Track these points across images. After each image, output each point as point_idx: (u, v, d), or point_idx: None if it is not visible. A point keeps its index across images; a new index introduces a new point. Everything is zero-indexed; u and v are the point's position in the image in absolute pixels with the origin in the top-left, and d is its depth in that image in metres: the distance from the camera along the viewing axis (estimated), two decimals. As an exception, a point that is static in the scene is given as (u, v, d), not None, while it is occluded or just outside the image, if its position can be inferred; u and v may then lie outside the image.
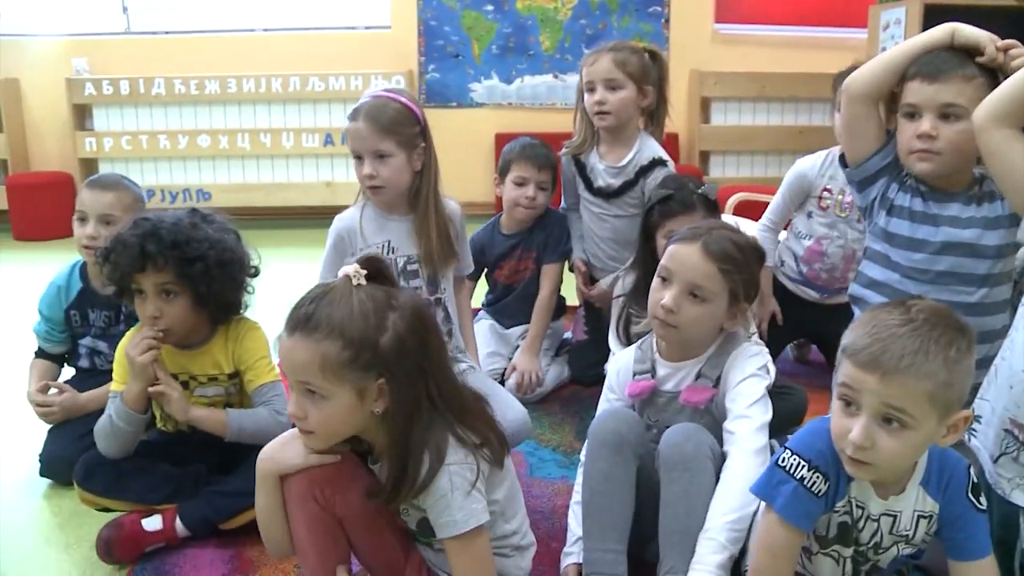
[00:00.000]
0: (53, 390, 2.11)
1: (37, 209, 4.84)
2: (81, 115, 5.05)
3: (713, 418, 1.62)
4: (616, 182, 2.50)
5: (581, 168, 2.57)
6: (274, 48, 5.01)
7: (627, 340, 2.15)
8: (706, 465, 1.49)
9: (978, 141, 1.50)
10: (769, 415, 1.55)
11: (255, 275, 1.94)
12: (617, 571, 1.52)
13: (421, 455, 1.31)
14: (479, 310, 2.77)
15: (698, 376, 1.65)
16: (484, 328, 2.67)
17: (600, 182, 2.53)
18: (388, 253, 2.06)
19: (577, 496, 1.65)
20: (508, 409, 1.98)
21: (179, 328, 1.82)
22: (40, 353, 2.25)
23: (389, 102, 1.99)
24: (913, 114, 1.61)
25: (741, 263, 1.62)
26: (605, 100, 2.41)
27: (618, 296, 2.25)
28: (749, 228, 2.57)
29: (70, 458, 1.94)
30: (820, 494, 1.27)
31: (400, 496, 1.33)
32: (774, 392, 1.61)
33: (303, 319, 1.30)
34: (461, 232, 2.15)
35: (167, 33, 5.08)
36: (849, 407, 1.22)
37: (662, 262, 1.67)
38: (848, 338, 1.24)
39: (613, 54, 2.43)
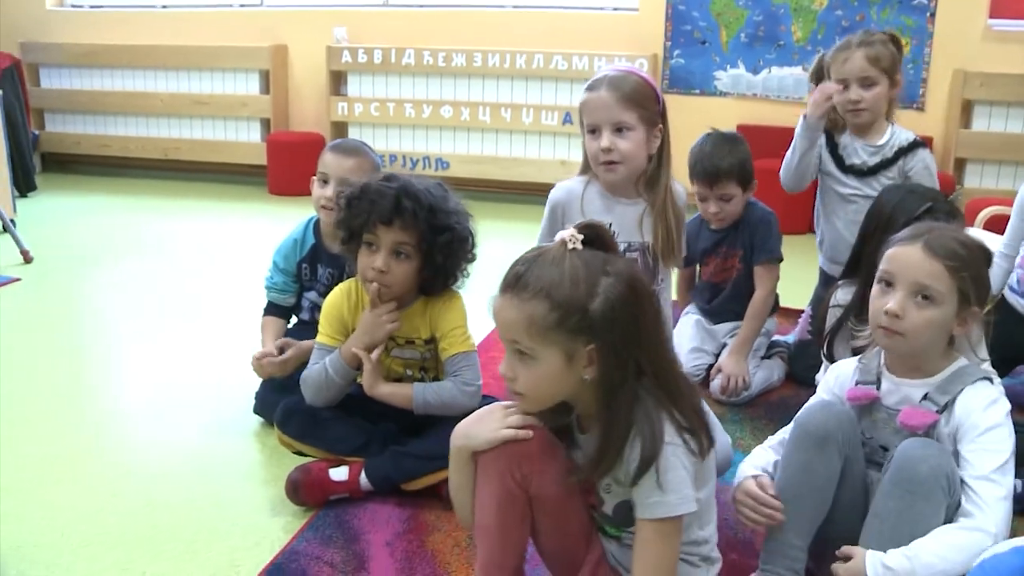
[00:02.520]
0: (289, 351, 2.24)
1: (291, 166, 5.31)
2: (337, 81, 5.51)
3: None
4: (873, 160, 2.54)
5: (833, 145, 2.61)
6: (521, 25, 5.23)
7: (831, 358, 2.10)
8: (936, 494, 1.43)
9: None
10: (1011, 478, 1.47)
11: (473, 260, 2.00)
12: (796, 567, 1.52)
13: (629, 428, 1.32)
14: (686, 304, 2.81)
15: (924, 398, 1.57)
16: (690, 323, 2.72)
17: (855, 159, 2.57)
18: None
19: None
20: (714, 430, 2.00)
21: (398, 289, 1.91)
22: (269, 309, 2.41)
23: (631, 75, 1.99)
24: None
25: (968, 260, 1.53)
26: (860, 98, 2.48)
27: (834, 306, 2.19)
28: (995, 245, 2.53)
29: (276, 401, 2.10)
30: None
31: (602, 468, 1.34)
32: None
33: (513, 279, 1.34)
34: (683, 221, 2.12)
35: (421, 7, 5.42)
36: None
37: (882, 266, 1.59)
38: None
39: (865, 50, 2.46)
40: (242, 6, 5.75)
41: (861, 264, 2.14)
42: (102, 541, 1.84)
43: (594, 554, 1.46)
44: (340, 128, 5.54)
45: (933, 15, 4.82)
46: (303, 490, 1.93)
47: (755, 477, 1.61)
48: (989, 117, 4.82)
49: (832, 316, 2.18)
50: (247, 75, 5.63)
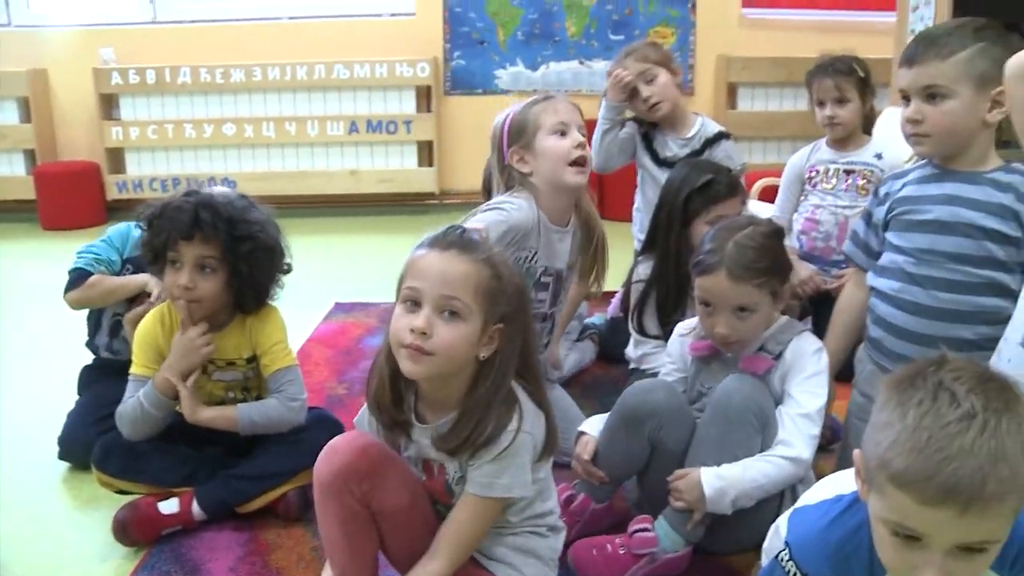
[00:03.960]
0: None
1: (65, 198, 5.08)
2: (108, 104, 5.26)
3: (768, 389, 1.78)
4: (683, 152, 2.79)
5: (648, 141, 2.87)
6: (299, 36, 5.21)
7: (641, 331, 2.39)
8: (747, 422, 1.70)
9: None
10: (822, 421, 1.75)
11: (288, 271, 2.02)
12: (604, 494, 1.83)
13: (501, 409, 1.40)
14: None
15: (760, 348, 1.83)
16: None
17: (668, 152, 2.82)
18: (532, 261, 2.10)
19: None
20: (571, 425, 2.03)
21: (208, 304, 1.90)
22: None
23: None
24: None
25: (768, 266, 1.77)
26: (650, 94, 2.78)
27: (637, 281, 2.42)
28: (768, 213, 2.92)
29: (88, 440, 2.05)
30: None
31: (468, 444, 1.40)
32: None
33: (461, 240, 1.41)
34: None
35: (193, 22, 5.27)
36: (912, 541, 1.01)
37: (699, 295, 1.82)
38: (894, 457, 0.99)
39: (639, 51, 2.83)
40: (-9, 31, 5.46)
41: (657, 238, 2.38)
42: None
43: None
44: (116, 154, 5.33)
45: (694, 6, 5.22)
46: (133, 528, 1.87)
47: (583, 434, 1.87)
48: (752, 98, 5.27)
49: (636, 290, 2.41)
50: (3, 103, 5.33)
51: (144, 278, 2.20)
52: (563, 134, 2.06)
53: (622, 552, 1.72)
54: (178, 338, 1.91)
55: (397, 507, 1.46)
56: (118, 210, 5.18)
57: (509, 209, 2.02)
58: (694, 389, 1.91)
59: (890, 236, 1.85)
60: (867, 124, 2.87)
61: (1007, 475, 0.96)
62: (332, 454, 1.45)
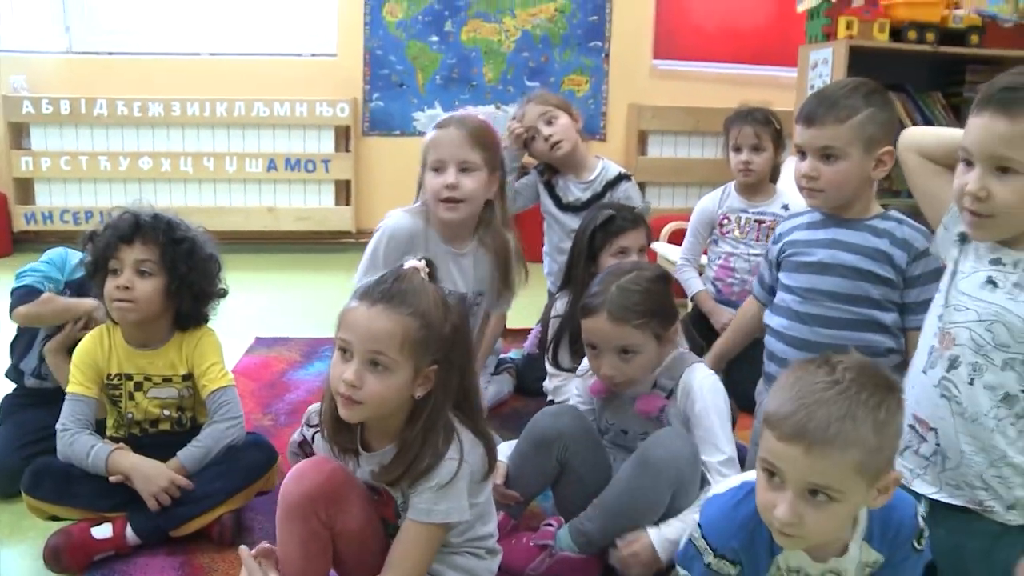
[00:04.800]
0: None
1: None
2: (18, 134, 5.24)
3: (663, 425, 1.89)
4: (586, 195, 2.94)
5: (551, 188, 3.02)
6: (220, 73, 5.28)
7: (556, 364, 2.52)
8: (662, 475, 1.76)
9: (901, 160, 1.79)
10: (732, 449, 1.83)
11: (224, 295, 2.09)
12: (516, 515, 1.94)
13: (438, 441, 1.50)
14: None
15: (654, 385, 1.92)
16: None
17: (571, 197, 2.97)
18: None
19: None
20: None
21: (144, 307, 1.93)
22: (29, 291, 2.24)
23: (477, 118, 2.11)
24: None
25: (650, 307, 1.85)
26: (551, 134, 2.93)
27: (555, 316, 2.57)
28: (677, 255, 3.15)
29: (12, 468, 2.05)
30: (731, 575, 1.40)
31: (408, 476, 1.50)
32: None
33: (389, 294, 1.46)
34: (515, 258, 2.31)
35: (110, 54, 5.30)
36: (773, 478, 1.25)
37: (585, 336, 1.89)
38: (771, 403, 1.26)
39: (540, 94, 2.99)
40: None
41: (571, 276, 2.55)
42: None
43: None
44: (25, 185, 5.28)
45: (607, 56, 5.49)
46: (65, 555, 1.86)
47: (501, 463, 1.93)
48: (661, 145, 5.55)
49: (553, 325, 2.56)
50: (-97, 131, 5.23)
51: (92, 302, 2.22)
52: (438, 171, 2.09)
53: (531, 545, 1.87)
54: (145, 467, 1.92)
55: (357, 528, 1.55)
56: (25, 242, 5.16)
57: (390, 218, 2.15)
58: (601, 424, 2.03)
59: (781, 276, 2.06)
60: (773, 173, 3.09)
61: (850, 430, 1.18)
62: (301, 477, 1.54)
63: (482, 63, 5.37)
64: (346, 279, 2.38)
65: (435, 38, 5.31)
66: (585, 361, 2.02)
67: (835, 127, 1.88)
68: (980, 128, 1.46)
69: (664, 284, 1.92)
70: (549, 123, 2.96)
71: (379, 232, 2.21)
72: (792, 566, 1.39)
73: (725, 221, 3.09)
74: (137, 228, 1.93)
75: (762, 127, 3.00)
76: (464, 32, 5.33)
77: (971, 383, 1.49)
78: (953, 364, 1.52)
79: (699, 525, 1.43)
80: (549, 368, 2.60)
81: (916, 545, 1.39)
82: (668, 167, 5.54)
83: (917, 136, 1.75)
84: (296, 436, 2.29)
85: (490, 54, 5.37)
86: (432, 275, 1.56)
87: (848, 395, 1.20)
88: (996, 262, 1.52)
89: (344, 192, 5.38)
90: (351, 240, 5.39)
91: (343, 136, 5.35)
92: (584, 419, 1.98)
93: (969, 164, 1.48)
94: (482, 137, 2.09)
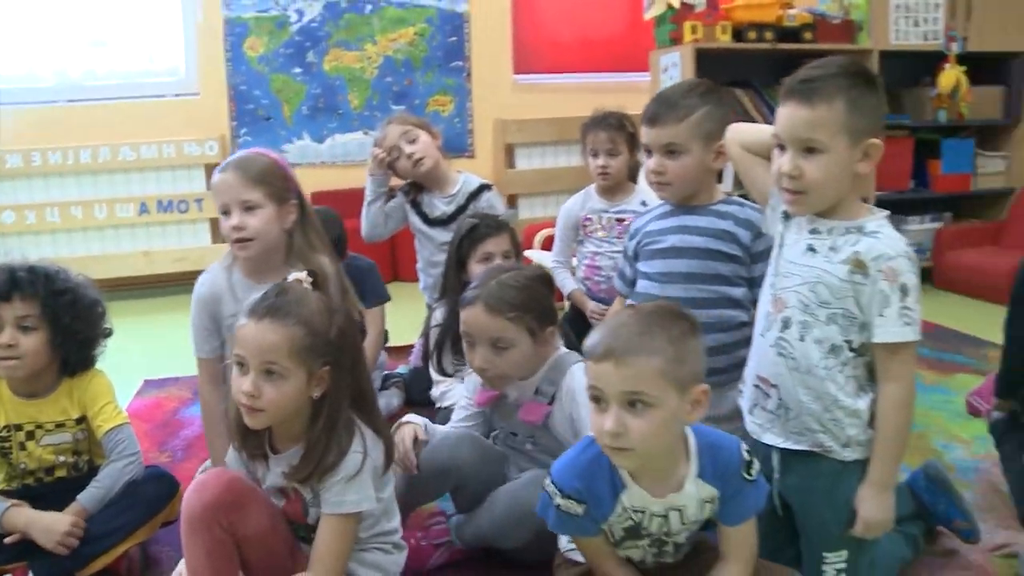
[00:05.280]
0: None
1: None
2: None
3: (550, 433, 1.98)
4: (450, 208, 3.07)
5: (416, 205, 3.14)
6: (80, 119, 5.20)
7: (441, 370, 2.67)
8: (510, 522, 1.88)
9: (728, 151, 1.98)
10: None
11: (109, 334, 2.09)
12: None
13: (341, 437, 1.63)
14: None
15: (536, 391, 2.00)
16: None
17: (436, 212, 3.10)
18: None
19: None
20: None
21: (31, 362, 1.93)
22: None
23: (257, 155, 2.14)
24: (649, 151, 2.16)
25: (526, 302, 1.93)
26: (412, 151, 3.06)
27: (435, 326, 2.72)
28: (549, 258, 3.33)
29: None
30: (580, 515, 1.58)
31: (317, 472, 1.62)
32: None
33: (274, 308, 1.60)
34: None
35: None
36: (600, 404, 1.48)
37: (462, 328, 1.98)
38: (586, 343, 1.51)
39: (402, 115, 3.14)
40: None
41: (446, 285, 2.71)
42: None
43: (300, 567, 1.69)
44: None
45: (469, 74, 5.67)
46: None
47: (411, 423, 2.02)
48: (528, 157, 5.76)
49: (435, 334, 2.69)
50: None
51: None
52: (226, 214, 2.11)
53: (424, 544, 1.99)
54: (50, 518, 1.91)
55: (260, 533, 1.65)
56: None
57: (198, 281, 2.20)
58: (493, 425, 2.14)
59: (640, 266, 2.24)
60: (632, 174, 3.26)
61: (648, 341, 1.46)
62: (201, 489, 1.63)
63: (347, 91, 5.47)
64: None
65: (298, 69, 5.39)
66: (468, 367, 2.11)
67: (675, 126, 2.08)
68: (786, 116, 1.67)
69: (543, 284, 2.02)
70: (412, 142, 3.10)
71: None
72: (636, 505, 1.58)
73: (588, 222, 3.24)
74: (13, 283, 1.91)
75: (615, 131, 3.16)
76: (326, 62, 5.42)
77: (802, 339, 1.69)
78: (786, 324, 1.71)
79: (550, 474, 1.62)
80: (434, 375, 2.73)
81: (746, 476, 1.59)
82: (536, 177, 5.74)
83: (739, 131, 1.95)
84: (206, 464, 2.36)
85: (354, 81, 5.47)
86: (316, 284, 1.70)
87: (645, 319, 1.49)
88: (814, 231, 1.72)
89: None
90: (231, 276, 5.38)
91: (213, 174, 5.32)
92: (481, 444, 2.04)
93: (782, 149, 1.69)
94: (261, 174, 2.09)
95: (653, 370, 1.44)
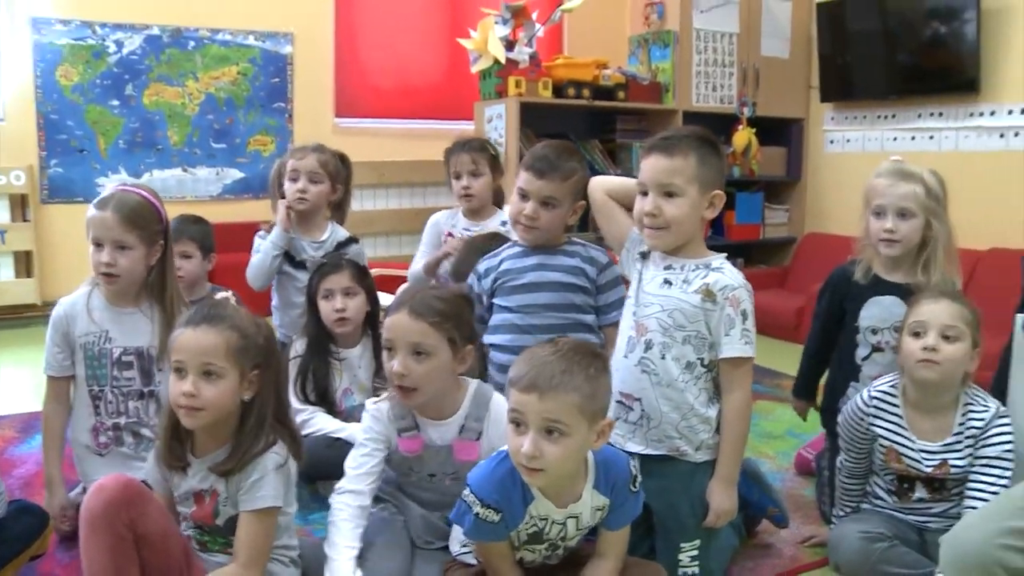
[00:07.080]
0: None
1: None
2: None
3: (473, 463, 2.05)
4: (318, 254, 3.17)
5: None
6: None
7: (305, 398, 2.81)
8: None
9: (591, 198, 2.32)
10: None
11: None
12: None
13: (268, 435, 1.83)
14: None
15: (462, 430, 2.07)
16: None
17: (304, 255, 3.18)
18: (104, 343, 2.30)
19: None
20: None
21: None
22: None
23: (136, 198, 2.26)
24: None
25: (449, 313, 2.00)
26: (306, 190, 3.12)
27: (295, 357, 2.85)
28: (388, 300, 3.47)
29: None
30: (496, 523, 1.76)
31: (243, 462, 1.80)
32: None
33: (209, 315, 1.81)
34: None
35: None
36: (519, 427, 1.68)
37: (384, 334, 2.01)
38: (512, 372, 1.71)
39: (316, 155, 3.15)
40: None
41: (307, 321, 2.89)
42: None
43: (196, 571, 1.82)
44: None
45: (291, 116, 5.81)
46: None
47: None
48: (366, 198, 5.96)
49: (294, 365, 2.83)
50: None
51: None
52: (97, 247, 2.26)
53: None
54: None
55: (159, 532, 1.76)
56: None
57: (55, 311, 2.34)
58: (402, 468, 2.13)
59: (498, 301, 2.51)
60: (497, 198, 3.44)
61: (568, 380, 1.66)
62: (101, 490, 1.72)
63: (167, 126, 5.47)
64: (37, 352, 2.51)
65: (116, 102, 5.33)
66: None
67: (560, 183, 2.38)
68: (649, 166, 2.03)
69: (466, 302, 2.13)
70: (314, 183, 3.15)
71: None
72: (542, 514, 1.81)
73: (449, 237, 3.42)
74: None
75: (478, 153, 3.33)
76: (146, 96, 5.40)
77: (663, 358, 2.04)
78: (648, 346, 2.06)
79: (468, 485, 1.80)
80: (296, 404, 2.85)
81: (632, 488, 1.86)
82: (357, 220, 5.75)
83: (603, 181, 2.33)
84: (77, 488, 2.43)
85: (174, 117, 5.48)
86: (239, 302, 1.91)
87: (567, 358, 1.69)
88: (668, 267, 2.09)
89: (24, 263, 5.21)
90: (37, 313, 5.20)
91: (19, 205, 5.19)
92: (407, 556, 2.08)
93: (644, 194, 2.03)
94: (138, 218, 2.25)
95: (571, 404, 1.65)
